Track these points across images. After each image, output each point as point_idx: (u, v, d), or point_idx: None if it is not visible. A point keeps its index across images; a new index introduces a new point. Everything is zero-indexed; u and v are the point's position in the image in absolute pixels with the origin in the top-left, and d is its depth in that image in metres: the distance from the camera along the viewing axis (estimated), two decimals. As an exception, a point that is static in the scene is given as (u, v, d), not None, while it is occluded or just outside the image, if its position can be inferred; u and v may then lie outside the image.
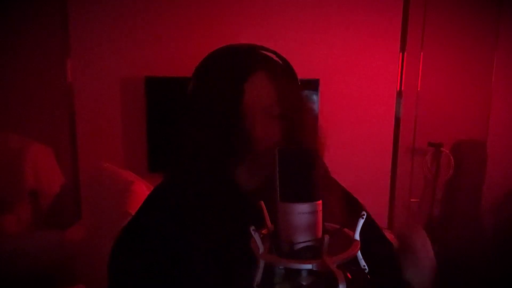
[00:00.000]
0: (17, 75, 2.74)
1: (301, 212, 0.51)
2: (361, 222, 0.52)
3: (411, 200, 2.93)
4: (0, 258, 2.21)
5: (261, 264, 0.51)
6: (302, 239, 0.51)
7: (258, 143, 0.72)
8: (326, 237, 0.49)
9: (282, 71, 0.78)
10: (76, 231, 2.46)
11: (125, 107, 2.71)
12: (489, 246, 2.84)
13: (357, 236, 0.52)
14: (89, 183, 2.42)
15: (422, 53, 2.78)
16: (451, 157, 2.84)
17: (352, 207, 0.82)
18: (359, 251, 0.52)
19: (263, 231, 0.55)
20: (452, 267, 2.75)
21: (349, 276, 0.47)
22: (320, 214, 0.52)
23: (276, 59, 0.79)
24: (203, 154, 0.74)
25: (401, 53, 2.73)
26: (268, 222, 0.57)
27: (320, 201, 0.52)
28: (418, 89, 2.82)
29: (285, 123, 0.75)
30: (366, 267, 0.53)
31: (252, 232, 0.51)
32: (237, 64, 0.75)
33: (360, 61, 2.70)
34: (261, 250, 0.51)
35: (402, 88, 2.78)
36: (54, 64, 2.69)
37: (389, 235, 2.75)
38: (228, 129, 0.71)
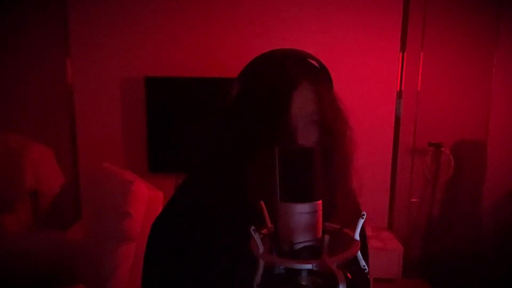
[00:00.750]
0: (17, 75, 2.74)
1: (301, 212, 0.51)
2: (361, 222, 0.52)
3: (411, 200, 2.93)
4: (0, 258, 2.21)
5: (261, 264, 0.51)
6: (302, 239, 0.51)
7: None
8: (326, 237, 0.49)
9: (322, 78, 0.81)
10: (76, 231, 2.46)
11: (125, 107, 2.72)
12: (489, 246, 2.84)
13: (357, 236, 0.52)
14: (89, 183, 2.43)
15: (422, 53, 2.78)
16: (451, 157, 2.84)
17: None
18: (359, 251, 0.52)
19: (263, 231, 0.55)
20: (452, 267, 2.75)
21: (349, 276, 0.47)
22: (320, 214, 0.52)
23: (316, 64, 0.82)
24: (245, 157, 0.75)
25: (401, 53, 2.73)
26: (268, 222, 0.57)
27: (320, 201, 0.52)
28: (418, 89, 2.81)
29: (324, 129, 0.77)
30: (366, 267, 0.53)
31: (252, 232, 0.51)
32: (287, 71, 0.77)
33: (360, 61, 2.70)
34: (261, 250, 0.51)
35: (402, 88, 2.78)
36: (54, 64, 2.69)
37: (389, 235, 2.76)
38: (272, 134, 0.73)
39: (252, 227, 0.51)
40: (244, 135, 0.76)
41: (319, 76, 0.80)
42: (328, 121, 0.78)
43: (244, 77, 0.81)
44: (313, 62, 0.81)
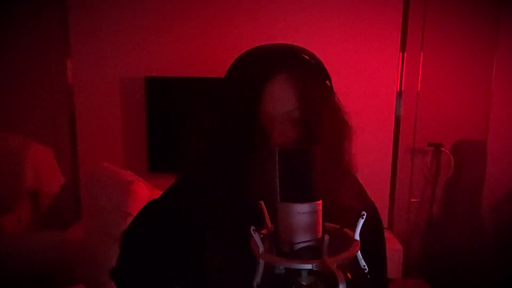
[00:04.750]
0: (17, 75, 2.74)
1: (301, 212, 0.51)
2: (361, 222, 0.52)
3: (411, 200, 2.93)
4: (0, 258, 2.21)
5: (261, 264, 0.50)
6: (302, 239, 0.51)
7: (275, 145, 0.71)
8: (326, 237, 0.49)
9: (309, 72, 0.75)
10: (76, 231, 2.46)
11: (125, 107, 2.71)
12: (489, 246, 2.84)
13: (357, 236, 0.52)
14: (89, 183, 2.42)
15: (422, 53, 2.78)
16: (451, 157, 2.84)
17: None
18: (359, 251, 0.52)
19: (263, 231, 0.55)
20: (452, 267, 2.75)
21: (349, 276, 0.47)
22: (320, 214, 0.52)
23: (308, 59, 0.76)
24: (220, 154, 0.74)
25: (401, 53, 2.73)
26: (268, 222, 0.57)
27: (320, 201, 0.52)
28: (418, 89, 2.81)
29: (306, 127, 0.72)
30: (366, 267, 0.53)
31: (252, 232, 0.51)
32: (259, 65, 0.73)
33: (360, 61, 2.69)
34: (261, 250, 0.51)
35: (402, 88, 2.78)
36: (54, 64, 2.69)
37: (389, 235, 2.75)
38: (246, 130, 0.71)
39: (252, 227, 0.51)
40: (219, 130, 0.74)
41: (305, 72, 0.74)
42: (312, 119, 0.72)
43: (227, 72, 0.79)
44: (304, 56, 0.76)
